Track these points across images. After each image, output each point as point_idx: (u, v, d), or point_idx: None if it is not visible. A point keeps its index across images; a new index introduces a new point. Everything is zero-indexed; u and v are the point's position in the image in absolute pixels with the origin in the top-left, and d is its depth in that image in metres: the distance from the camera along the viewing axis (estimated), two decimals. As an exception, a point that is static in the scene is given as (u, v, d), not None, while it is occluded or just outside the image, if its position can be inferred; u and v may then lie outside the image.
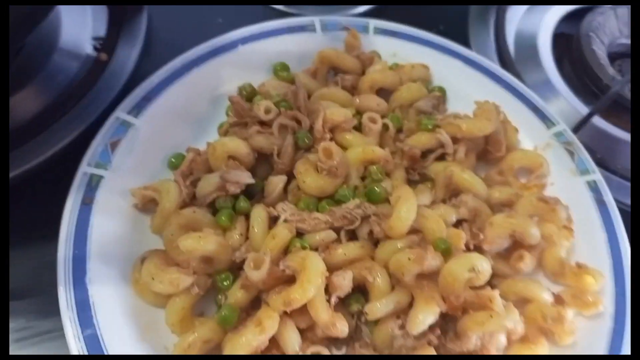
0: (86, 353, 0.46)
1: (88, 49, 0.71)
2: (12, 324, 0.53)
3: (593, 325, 0.54)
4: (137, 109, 0.60)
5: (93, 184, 0.55)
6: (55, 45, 0.71)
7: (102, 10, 0.75)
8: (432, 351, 0.49)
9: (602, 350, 0.52)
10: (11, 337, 0.52)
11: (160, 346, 0.50)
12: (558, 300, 0.54)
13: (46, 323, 0.53)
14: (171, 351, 0.49)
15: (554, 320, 0.51)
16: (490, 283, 0.53)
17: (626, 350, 0.51)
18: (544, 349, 0.52)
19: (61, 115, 0.63)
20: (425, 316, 0.48)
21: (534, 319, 0.52)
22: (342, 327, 0.48)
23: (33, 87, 0.66)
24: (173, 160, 0.59)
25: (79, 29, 0.73)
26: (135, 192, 0.55)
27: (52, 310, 0.50)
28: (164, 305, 0.51)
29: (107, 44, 0.71)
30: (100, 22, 0.74)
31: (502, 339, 0.50)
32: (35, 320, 0.54)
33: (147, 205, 0.56)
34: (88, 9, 0.75)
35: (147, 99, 0.61)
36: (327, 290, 0.49)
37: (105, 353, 0.47)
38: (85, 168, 0.55)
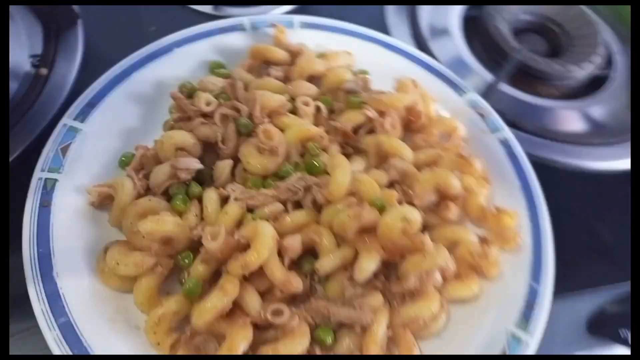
0: (62, 340, 0.49)
1: (26, 66, 0.74)
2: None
3: (515, 259, 0.62)
4: (83, 115, 0.64)
5: (48, 187, 0.58)
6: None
7: (36, 28, 0.78)
8: (379, 295, 0.55)
9: (525, 278, 0.60)
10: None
11: (132, 326, 0.54)
12: (483, 240, 0.62)
13: (14, 325, 0.55)
14: (142, 328, 0.53)
15: (480, 256, 0.59)
16: (423, 232, 0.60)
17: (546, 280, 0.60)
18: (475, 283, 0.59)
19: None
20: (368, 264, 0.54)
21: (464, 258, 0.60)
22: (297, 283, 0.53)
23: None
24: (123, 159, 0.63)
25: (14, 48, 0.75)
26: (91, 190, 0.58)
27: (19, 311, 0.53)
28: (129, 289, 0.55)
29: (46, 59, 0.74)
30: (35, 39, 0.77)
31: (438, 277, 0.57)
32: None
33: (104, 202, 0.60)
34: (21, 27, 0.78)
35: (91, 104, 0.65)
36: (281, 255, 0.55)
37: (80, 337, 0.50)
38: (39, 174, 0.58)
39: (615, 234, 0.75)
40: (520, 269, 0.61)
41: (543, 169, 0.70)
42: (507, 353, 0.55)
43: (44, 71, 0.72)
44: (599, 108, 0.90)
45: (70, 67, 0.74)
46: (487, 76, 0.87)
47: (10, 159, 0.62)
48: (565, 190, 0.77)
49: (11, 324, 0.54)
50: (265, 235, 0.52)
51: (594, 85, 0.94)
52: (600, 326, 0.74)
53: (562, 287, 0.63)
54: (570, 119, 0.88)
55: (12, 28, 0.77)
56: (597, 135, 0.85)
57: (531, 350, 0.55)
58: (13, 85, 0.72)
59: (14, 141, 0.64)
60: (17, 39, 0.77)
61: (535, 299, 0.58)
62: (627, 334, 0.74)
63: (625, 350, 0.80)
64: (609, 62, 0.97)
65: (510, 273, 0.61)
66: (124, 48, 0.74)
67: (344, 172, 0.57)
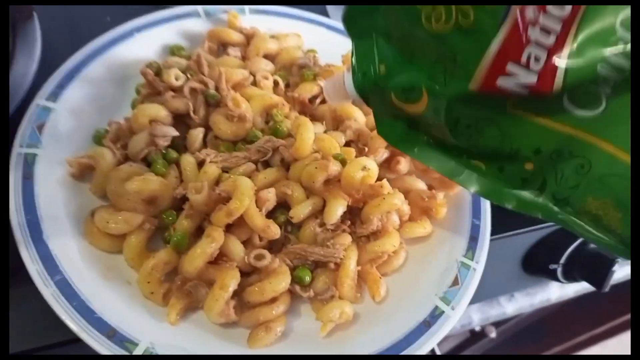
0: (60, 295, 0.53)
1: (-16, 58, 0.75)
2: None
3: (457, 200, 0.71)
4: (54, 96, 0.66)
5: (29, 161, 0.60)
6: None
7: (-13, 23, 0.79)
8: (347, 237, 0.63)
9: (467, 215, 0.70)
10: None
11: (123, 281, 0.58)
12: (430, 187, 0.71)
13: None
14: (135, 282, 0.57)
15: (429, 197, 0.68)
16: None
17: (485, 216, 0.70)
18: (427, 223, 0.68)
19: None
20: (336, 209, 0.62)
21: (416, 202, 0.68)
22: (275, 229, 0.60)
23: None
24: (97, 135, 0.67)
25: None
26: (72, 161, 0.61)
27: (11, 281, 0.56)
28: (118, 249, 0.59)
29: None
30: (-10, 32, 0.78)
31: (396, 219, 0.66)
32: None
33: (84, 172, 0.63)
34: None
35: (61, 86, 0.68)
36: (257, 206, 0.61)
37: (77, 292, 0.54)
38: (18, 149, 0.61)
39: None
40: (462, 209, 0.71)
41: None
42: (459, 279, 0.64)
43: (4, 60, 0.74)
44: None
45: (31, 57, 0.75)
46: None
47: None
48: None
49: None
50: (244, 186, 0.58)
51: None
52: (533, 263, 0.86)
53: (498, 230, 0.73)
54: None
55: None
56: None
57: (478, 275, 0.65)
58: (-29, 77, 0.73)
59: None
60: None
61: (478, 233, 0.68)
62: (556, 268, 0.86)
63: (555, 285, 0.92)
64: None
65: (454, 213, 0.70)
66: (82, 38, 0.77)
67: (308, 130, 0.64)
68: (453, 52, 0.46)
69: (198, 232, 0.61)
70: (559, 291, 0.97)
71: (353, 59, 0.58)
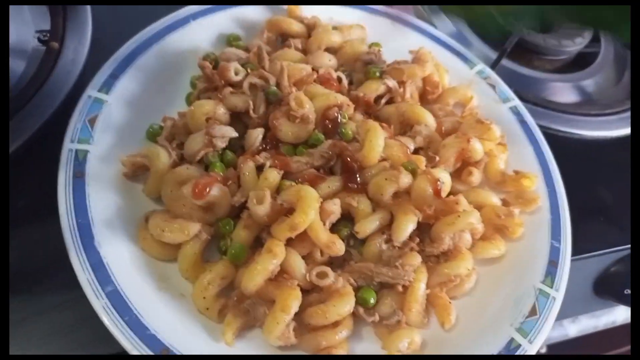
0: (111, 308, 0.49)
1: (33, 43, 0.72)
2: (19, 300, 0.54)
3: (535, 219, 0.65)
4: (107, 87, 0.62)
5: (80, 158, 0.57)
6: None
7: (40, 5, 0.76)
8: (416, 257, 0.57)
9: (546, 237, 0.63)
10: (23, 313, 0.54)
11: (177, 293, 0.54)
12: (505, 202, 0.65)
13: (56, 296, 0.55)
14: (189, 296, 0.53)
15: (505, 215, 0.62)
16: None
17: (566, 238, 0.63)
18: (501, 243, 0.62)
19: (21, 107, 0.63)
20: (406, 226, 0.56)
21: (489, 219, 0.62)
22: (340, 246, 0.55)
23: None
24: (151, 130, 0.62)
25: (18, 25, 0.73)
26: (125, 160, 0.58)
27: (60, 283, 0.54)
28: (172, 257, 0.55)
29: (55, 34, 0.72)
30: (40, 15, 0.74)
31: (468, 238, 0.60)
32: (44, 295, 0.55)
33: (137, 172, 0.59)
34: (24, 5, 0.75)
35: (114, 76, 0.64)
36: (321, 218, 0.56)
37: (130, 305, 0.50)
38: (69, 145, 0.57)
39: (616, 197, 0.79)
40: (540, 228, 0.64)
41: (545, 137, 0.74)
42: (537, 308, 0.58)
43: (55, 45, 0.70)
44: (590, 81, 0.95)
45: (81, 40, 0.72)
46: (487, 51, 0.91)
47: (31, 133, 0.61)
48: (566, 157, 0.80)
49: (54, 295, 0.54)
50: (310, 197, 0.53)
51: (584, 60, 0.99)
52: (605, 286, 0.79)
53: (572, 251, 0.66)
54: (565, 91, 0.93)
55: (14, 5, 0.74)
56: (591, 106, 0.90)
57: (558, 304, 0.59)
58: (21, 63, 0.69)
59: (31, 115, 0.62)
60: (20, 15, 0.74)
61: (558, 257, 0.62)
62: (629, 293, 0.79)
63: (628, 310, 0.85)
64: (596, 39, 1.02)
65: (532, 233, 0.64)
66: (135, 20, 0.72)
67: (377, 137, 0.59)
68: None
69: (255, 243, 0.57)
70: (625, 313, 0.90)
71: None
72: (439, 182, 0.57)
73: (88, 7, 0.75)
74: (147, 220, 0.55)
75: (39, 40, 0.72)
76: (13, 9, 0.73)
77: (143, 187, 0.59)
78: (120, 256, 0.53)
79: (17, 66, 0.69)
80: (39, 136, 0.61)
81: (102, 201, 0.56)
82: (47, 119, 0.62)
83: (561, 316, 0.83)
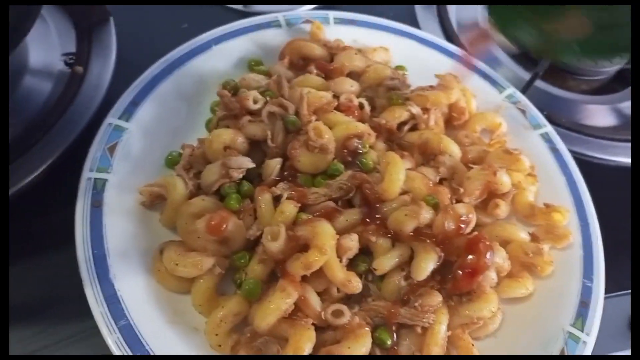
0: (123, 343, 0.49)
1: (59, 65, 0.73)
2: (33, 331, 0.54)
3: (566, 255, 0.62)
4: (127, 114, 0.63)
5: (99, 187, 0.57)
6: (25, 65, 0.71)
7: (67, 26, 0.77)
8: (437, 296, 0.55)
9: (577, 275, 0.60)
10: (36, 344, 0.54)
11: (190, 327, 0.53)
12: (534, 237, 0.62)
13: (70, 327, 0.55)
14: (202, 330, 0.52)
15: (534, 253, 0.58)
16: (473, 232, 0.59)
17: (599, 277, 0.60)
18: (529, 281, 0.59)
19: (47, 131, 0.64)
20: (427, 263, 0.54)
21: (517, 256, 0.59)
22: (356, 283, 0.53)
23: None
24: (170, 158, 0.62)
25: (46, 47, 0.74)
26: (143, 190, 0.57)
27: (74, 313, 0.54)
28: (186, 290, 0.54)
29: (80, 57, 0.73)
30: (67, 38, 0.76)
31: (493, 276, 0.57)
32: (58, 325, 0.55)
33: (155, 201, 0.59)
34: (51, 26, 0.76)
35: (135, 103, 0.64)
36: (337, 254, 0.54)
37: (141, 340, 0.49)
38: (88, 173, 0.57)
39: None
40: (571, 266, 0.61)
41: (580, 164, 0.70)
42: (566, 353, 0.54)
43: (79, 69, 0.71)
44: (629, 103, 0.90)
45: (105, 65, 0.72)
46: (517, 70, 0.87)
47: (52, 159, 0.61)
48: (602, 186, 0.76)
49: (67, 325, 0.54)
50: (326, 234, 0.51)
51: (623, 80, 0.94)
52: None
53: (607, 289, 0.62)
54: (602, 114, 0.88)
55: (41, 27, 0.75)
56: (629, 130, 0.85)
57: (589, 349, 0.55)
58: (47, 85, 0.70)
59: (54, 141, 0.63)
60: (48, 37, 0.75)
61: (590, 297, 0.58)
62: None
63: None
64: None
65: (562, 271, 0.61)
66: (158, 45, 0.73)
67: (398, 169, 0.57)
68: None
69: (271, 277, 0.55)
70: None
71: None
72: (462, 219, 0.55)
73: (113, 31, 0.76)
74: (162, 253, 0.54)
75: (65, 63, 0.73)
76: (40, 32, 0.74)
77: (160, 217, 0.58)
78: (135, 289, 0.53)
79: (44, 87, 0.70)
80: (61, 162, 0.62)
81: (119, 230, 0.56)
82: (69, 145, 0.63)
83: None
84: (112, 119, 0.62)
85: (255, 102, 0.62)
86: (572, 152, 0.72)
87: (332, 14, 0.79)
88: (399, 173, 0.57)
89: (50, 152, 0.62)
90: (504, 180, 0.61)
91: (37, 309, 0.56)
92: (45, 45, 0.74)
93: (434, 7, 0.94)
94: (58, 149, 0.62)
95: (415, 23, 0.91)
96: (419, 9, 0.94)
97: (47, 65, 0.73)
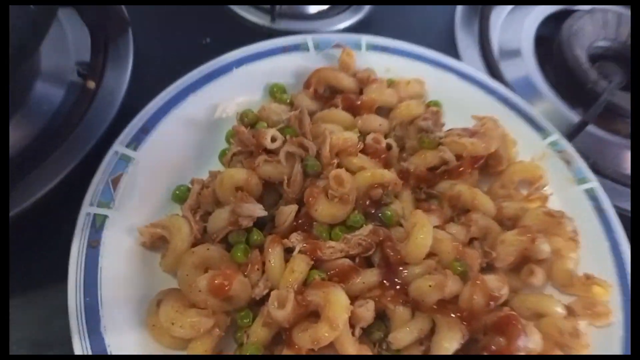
0: (108, 406, 0.45)
1: (72, 74, 0.68)
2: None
3: (605, 335, 0.55)
4: (136, 142, 0.58)
5: (98, 224, 0.53)
6: (38, 70, 0.67)
7: (83, 33, 0.72)
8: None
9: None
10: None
11: (183, 389, 0.49)
12: (570, 311, 0.55)
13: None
14: (195, 395, 0.48)
15: (570, 335, 0.52)
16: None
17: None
18: (560, 362, 0.53)
19: (54, 148, 0.60)
20: (450, 343, 0.48)
21: (550, 334, 0.53)
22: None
23: (19, 116, 0.63)
24: (177, 192, 0.58)
25: (60, 53, 0.70)
26: (144, 231, 0.53)
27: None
28: (182, 348, 0.50)
29: (94, 69, 0.68)
30: (82, 46, 0.71)
31: (522, 357, 0.51)
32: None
33: (156, 242, 0.54)
34: (68, 31, 0.72)
35: (145, 130, 0.59)
36: (350, 322, 0.49)
37: (128, 404, 0.45)
38: (88, 208, 0.53)
39: None
40: (609, 347, 0.54)
41: (626, 222, 0.62)
42: None
43: (91, 84, 0.67)
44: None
45: (119, 81, 0.68)
46: (563, 108, 0.80)
47: (57, 181, 0.57)
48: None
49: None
50: (338, 305, 0.46)
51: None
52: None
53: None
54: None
55: (57, 31, 0.71)
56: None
57: None
58: (58, 93, 0.67)
59: (60, 162, 0.59)
60: (62, 42, 0.71)
61: (629, 387, 0.52)
62: None
63: None
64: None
65: (599, 352, 0.54)
66: (177, 60, 0.69)
67: (426, 233, 0.51)
68: None
69: (275, 339, 0.50)
70: None
71: None
72: (492, 295, 0.49)
73: (131, 44, 0.71)
74: (159, 305, 0.49)
75: (78, 73, 0.69)
76: (55, 36, 0.70)
77: (160, 260, 0.54)
78: (126, 344, 0.49)
79: (55, 96, 0.66)
80: (65, 185, 0.58)
81: (115, 274, 0.51)
82: (74, 167, 0.59)
83: None
84: (118, 146, 0.57)
85: (273, 140, 0.56)
86: (618, 209, 0.65)
87: (364, 38, 0.73)
88: (426, 237, 0.51)
89: (53, 175, 0.58)
90: (543, 249, 0.55)
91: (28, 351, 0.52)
92: (59, 51, 0.70)
93: (476, 32, 0.88)
94: (64, 170, 0.58)
95: (454, 48, 0.84)
96: (458, 31, 0.87)
97: (59, 72, 0.69)
